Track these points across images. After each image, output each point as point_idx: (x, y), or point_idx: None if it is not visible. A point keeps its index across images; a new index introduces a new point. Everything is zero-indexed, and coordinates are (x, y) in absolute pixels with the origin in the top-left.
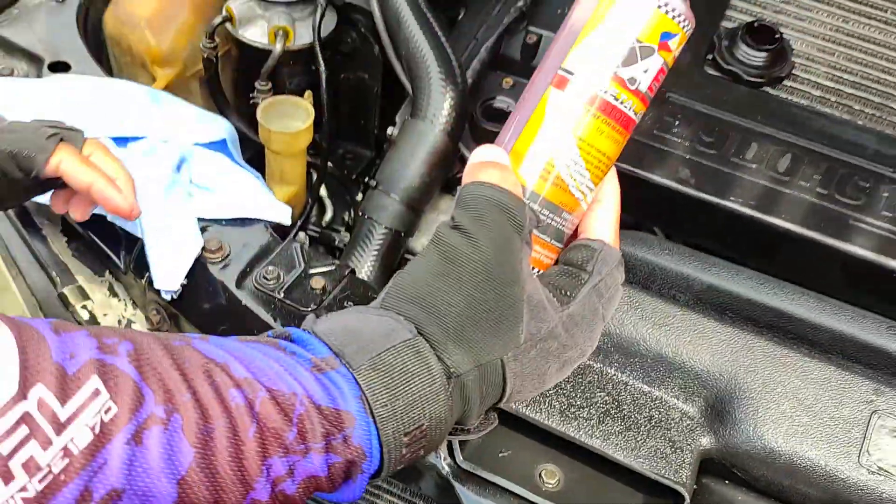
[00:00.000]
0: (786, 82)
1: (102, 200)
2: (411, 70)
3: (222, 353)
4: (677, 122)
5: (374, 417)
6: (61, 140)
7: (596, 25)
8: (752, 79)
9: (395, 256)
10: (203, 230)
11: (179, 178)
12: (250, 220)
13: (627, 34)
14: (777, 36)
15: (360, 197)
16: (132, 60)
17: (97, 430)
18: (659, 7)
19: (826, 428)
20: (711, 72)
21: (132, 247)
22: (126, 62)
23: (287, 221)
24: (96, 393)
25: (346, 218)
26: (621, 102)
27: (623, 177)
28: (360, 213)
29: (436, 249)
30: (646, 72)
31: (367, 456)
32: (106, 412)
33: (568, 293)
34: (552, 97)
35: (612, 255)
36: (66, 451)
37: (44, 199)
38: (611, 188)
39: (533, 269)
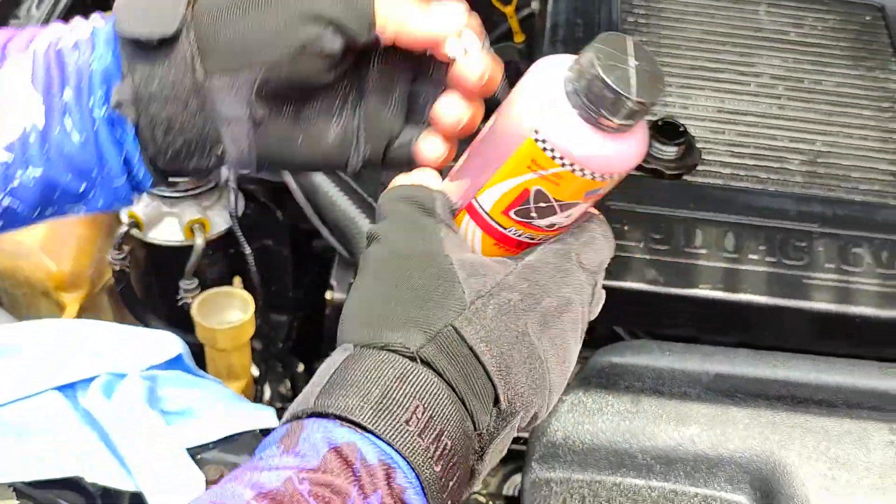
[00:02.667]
0: (698, 167)
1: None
2: (342, 232)
3: None
4: (626, 227)
5: (365, 429)
6: None
7: None
8: (673, 171)
9: None
10: (195, 459)
11: (153, 412)
12: (237, 433)
13: None
14: (682, 129)
15: (301, 368)
16: (31, 291)
17: None
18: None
19: (865, 479)
20: (633, 172)
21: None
22: (23, 294)
23: (275, 424)
24: None
25: (284, 391)
26: None
27: None
28: None
29: (361, 269)
30: None
31: (393, 466)
32: None
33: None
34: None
35: (584, 209)
36: None
37: None
38: None
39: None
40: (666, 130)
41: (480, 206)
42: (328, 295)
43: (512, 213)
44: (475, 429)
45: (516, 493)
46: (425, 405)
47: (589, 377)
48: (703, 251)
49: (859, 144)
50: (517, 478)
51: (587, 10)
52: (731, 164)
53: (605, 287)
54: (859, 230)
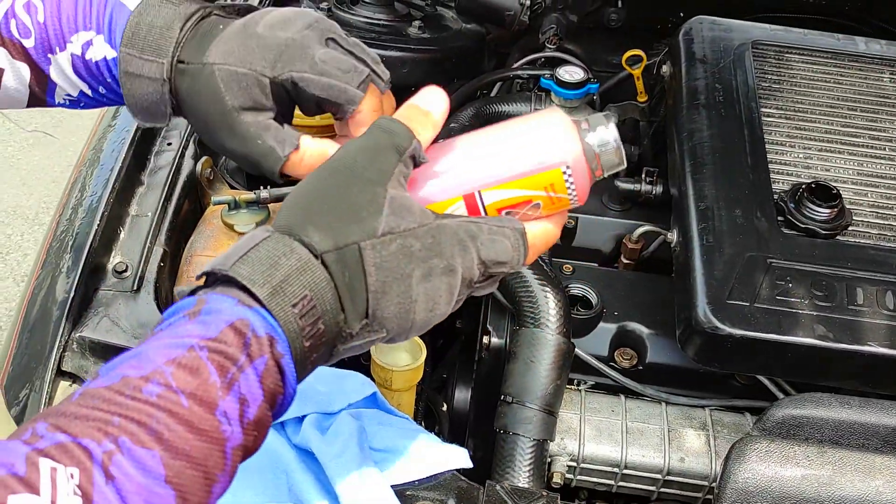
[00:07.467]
0: (848, 227)
1: None
2: (505, 281)
3: (113, 373)
4: (790, 284)
5: (260, 302)
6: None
7: None
8: (827, 231)
9: (545, 465)
10: (403, 496)
11: (366, 450)
12: (438, 473)
13: None
14: (835, 192)
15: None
16: None
17: (78, 492)
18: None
19: None
20: (788, 231)
21: None
22: None
23: (468, 464)
24: (54, 471)
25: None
26: None
27: (768, 345)
28: (501, 431)
29: (322, 164)
30: None
31: (276, 338)
32: (71, 478)
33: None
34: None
35: (514, 223)
36: None
37: None
38: None
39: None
40: (819, 192)
41: (481, 200)
42: (485, 339)
43: (503, 212)
44: (345, 325)
45: None
46: (313, 296)
47: (769, 428)
48: (866, 309)
49: None
50: None
51: (723, 76)
52: (878, 224)
53: (775, 342)
54: None
